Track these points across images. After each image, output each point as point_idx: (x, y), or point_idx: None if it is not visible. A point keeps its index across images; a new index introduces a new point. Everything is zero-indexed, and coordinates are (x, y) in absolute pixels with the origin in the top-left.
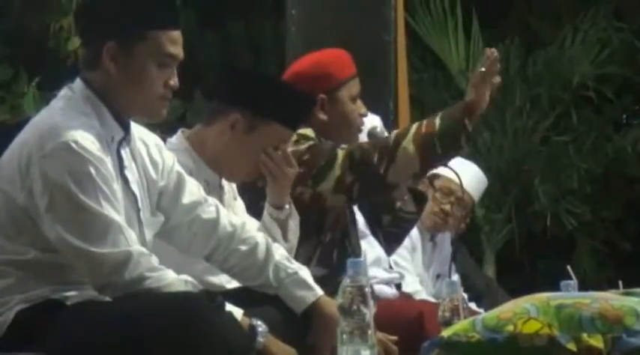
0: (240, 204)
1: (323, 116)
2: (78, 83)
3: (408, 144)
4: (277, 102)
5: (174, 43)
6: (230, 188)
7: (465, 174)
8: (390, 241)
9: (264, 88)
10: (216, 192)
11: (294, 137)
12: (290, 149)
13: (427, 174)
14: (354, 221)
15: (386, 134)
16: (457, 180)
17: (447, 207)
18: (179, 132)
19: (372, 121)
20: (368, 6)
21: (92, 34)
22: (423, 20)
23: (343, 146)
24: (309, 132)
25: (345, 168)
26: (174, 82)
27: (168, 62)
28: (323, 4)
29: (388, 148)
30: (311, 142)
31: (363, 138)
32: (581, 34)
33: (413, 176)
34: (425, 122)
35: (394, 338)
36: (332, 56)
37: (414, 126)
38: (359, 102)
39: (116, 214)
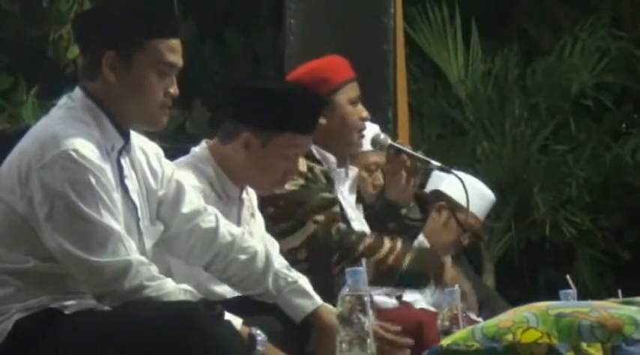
0: (259, 221)
1: (322, 120)
2: (77, 92)
3: (371, 262)
4: (284, 112)
5: (173, 51)
6: (250, 204)
7: (481, 204)
8: None
9: (268, 100)
10: (235, 204)
11: None
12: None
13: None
14: None
15: (389, 141)
16: (479, 216)
17: (467, 241)
18: (203, 142)
19: (372, 130)
20: (367, 15)
21: (91, 43)
22: (422, 29)
23: (317, 218)
24: (300, 163)
25: (304, 246)
26: (174, 90)
27: (167, 70)
28: (322, 13)
29: (351, 256)
30: (298, 184)
31: (367, 144)
32: (580, 43)
33: None
34: (396, 252)
35: (397, 328)
36: (327, 62)
37: (386, 247)
38: (359, 106)
39: (116, 223)
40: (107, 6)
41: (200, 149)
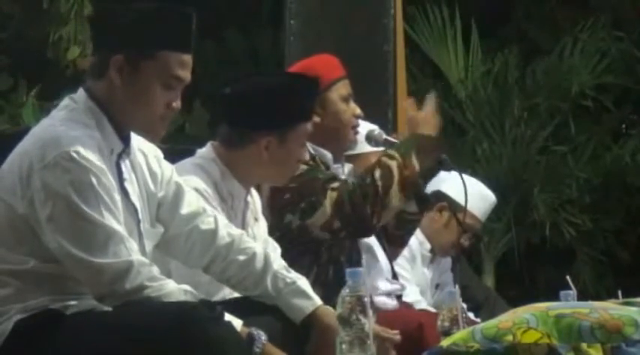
0: (262, 226)
1: (316, 118)
2: (81, 93)
3: (395, 190)
4: (293, 107)
5: (183, 66)
6: (254, 208)
7: (482, 206)
8: (395, 245)
9: (276, 101)
10: (240, 205)
11: None
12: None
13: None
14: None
15: (384, 137)
16: (480, 217)
17: (467, 243)
18: (208, 143)
19: (369, 128)
20: (367, 16)
21: (103, 42)
22: (422, 30)
23: (333, 186)
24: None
25: (335, 214)
26: (176, 104)
27: (173, 84)
28: (322, 14)
29: (378, 198)
30: (303, 168)
31: (362, 141)
32: (580, 44)
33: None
34: (404, 163)
35: (395, 332)
36: (318, 60)
37: (395, 167)
38: (352, 104)
39: (117, 224)
40: (127, 9)
41: (206, 151)
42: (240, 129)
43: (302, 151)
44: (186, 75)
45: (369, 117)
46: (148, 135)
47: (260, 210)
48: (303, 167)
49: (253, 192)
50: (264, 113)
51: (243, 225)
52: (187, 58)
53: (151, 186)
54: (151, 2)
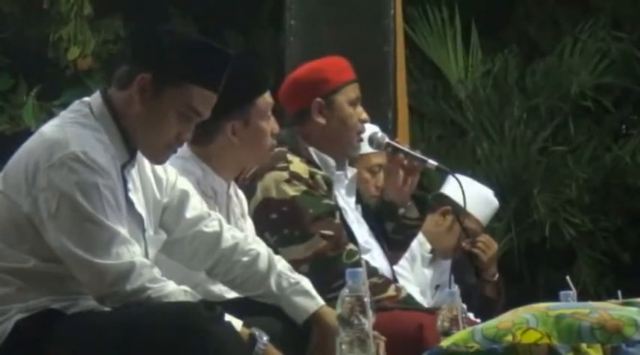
0: (249, 224)
1: (321, 120)
2: (96, 97)
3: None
4: (246, 83)
5: (206, 102)
6: (239, 204)
7: (485, 210)
8: (396, 249)
9: (227, 85)
10: (224, 199)
11: (287, 175)
12: (281, 187)
13: (450, 203)
14: (352, 239)
15: (386, 140)
16: (482, 221)
17: (468, 246)
18: (185, 144)
19: (371, 131)
20: (367, 17)
21: (136, 56)
22: (422, 30)
23: (325, 233)
24: (302, 169)
25: (309, 260)
26: (186, 137)
27: (190, 116)
28: (322, 14)
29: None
30: (300, 190)
31: (365, 144)
32: (581, 44)
33: None
34: (394, 301)
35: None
36: (328, 62)
37: (388, 294)
38: (359, 108)
39: (121, 226)
40: (169, 32)
41: (184, 150)
42: (202, 124)
43: (270, 124)
44: (205, 110)
45: (368, 117)
46: (149, 158)
47: (247, 210)
48: (302, 187)
49: (239, 192)
50: (218, 101)
51: (228, 219)
52: (211, 96)
53: (157, 193)
54: (194, 34)
